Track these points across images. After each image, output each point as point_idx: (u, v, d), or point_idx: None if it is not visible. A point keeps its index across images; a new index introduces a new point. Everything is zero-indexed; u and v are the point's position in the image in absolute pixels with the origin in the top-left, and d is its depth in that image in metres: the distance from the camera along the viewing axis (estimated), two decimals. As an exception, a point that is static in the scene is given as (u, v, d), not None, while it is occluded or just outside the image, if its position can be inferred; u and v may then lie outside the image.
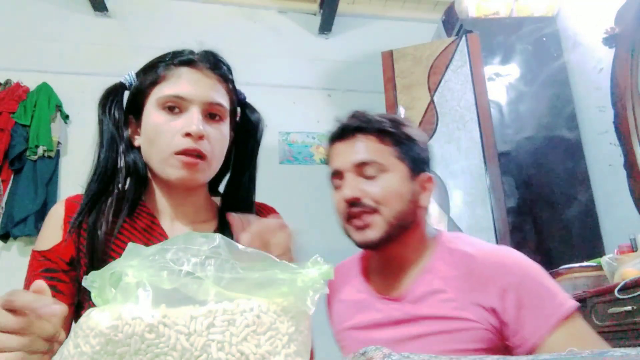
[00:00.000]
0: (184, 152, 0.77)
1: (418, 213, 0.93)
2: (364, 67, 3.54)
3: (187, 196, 0.86)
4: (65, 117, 3.10)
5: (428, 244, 0.94)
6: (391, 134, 0.92)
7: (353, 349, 0.92)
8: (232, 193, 0.90)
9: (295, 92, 3.53)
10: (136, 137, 0.85)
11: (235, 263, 0.43)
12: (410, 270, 0.93)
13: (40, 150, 2.89)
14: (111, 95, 0.85)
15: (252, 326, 0.41)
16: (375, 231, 0.88)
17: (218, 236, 0.44)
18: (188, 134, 0.76)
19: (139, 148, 0.84)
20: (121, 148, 0.83)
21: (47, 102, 3.02)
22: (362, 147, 0.91)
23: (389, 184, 0.89)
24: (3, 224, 2.77)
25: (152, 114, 0.80)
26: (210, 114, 0.81)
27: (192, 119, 0.77)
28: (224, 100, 0.82)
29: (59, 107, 3.06)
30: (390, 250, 0.93)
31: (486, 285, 0.83)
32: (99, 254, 0.76)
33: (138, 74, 0.86)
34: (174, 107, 0.78)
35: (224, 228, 0.84)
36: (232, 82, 0.87)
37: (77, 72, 3.16)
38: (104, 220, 0.78)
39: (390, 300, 0.92)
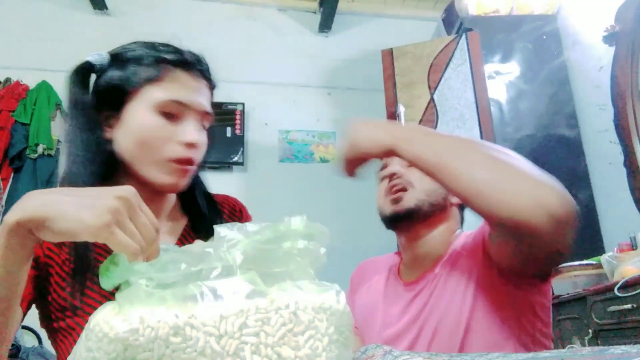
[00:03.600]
0: (179, 160, 0.75)
1: (448, 206, 0.98)
2: (364, 65, 3.54)
3: (159, 196, 0.82)
4: (65, 116, 3.10)
5: (453, 240, 0.98)
6: None
7: (370, 336, 0.95)
8: (190, 189, 0.85)
9: (295, 91, 3.53)
10: (107, 129, 0.78)
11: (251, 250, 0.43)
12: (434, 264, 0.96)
13: (40, 149, 2.89)
14: (79, 79, 0.79)
15: (289, 325, 0.37)
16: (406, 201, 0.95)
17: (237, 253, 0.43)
18: (189, 144, 0.75)
19: (110, 140, 0.78)
20: (93, 140, 0.76)
21: (47, 100, 3.02)
22: None
23: None
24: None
25: (144, 114, 0.75)
26: (202, 124, 0.79)
27: (192, 128, 0.76)
28: (210, 108, 0.80)
29: (58, 106, 3.06)
30: (417, 231, 0.97)
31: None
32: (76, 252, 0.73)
33: (119, 60, 0.80)
34: (170, 112, 0.75)
35: (195, 224, 0.84)
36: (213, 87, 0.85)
37: (77, 71, 3.16)
38: None
39: (408, 286, 0.96)
